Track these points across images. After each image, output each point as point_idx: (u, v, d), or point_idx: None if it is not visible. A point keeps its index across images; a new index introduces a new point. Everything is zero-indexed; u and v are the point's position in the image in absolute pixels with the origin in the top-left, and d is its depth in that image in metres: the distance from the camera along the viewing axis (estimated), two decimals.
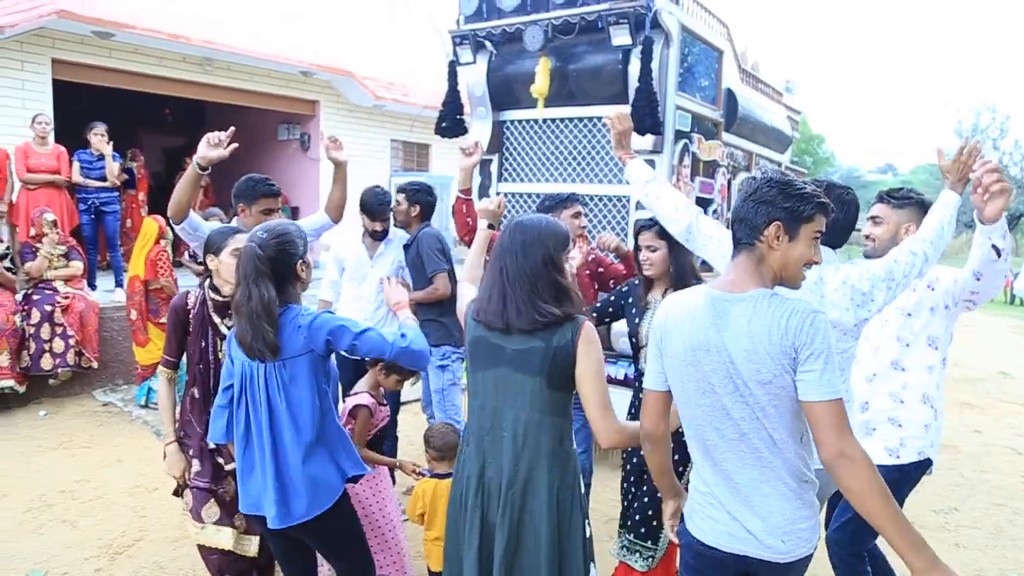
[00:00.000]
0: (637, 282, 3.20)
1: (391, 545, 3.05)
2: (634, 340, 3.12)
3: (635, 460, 3.05)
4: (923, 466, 2.77)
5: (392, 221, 4.37)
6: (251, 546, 2.85)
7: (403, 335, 2.31)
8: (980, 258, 2.39)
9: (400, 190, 4.32)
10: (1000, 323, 15.13)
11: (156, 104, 10.94)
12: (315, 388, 2.29)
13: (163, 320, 5.71)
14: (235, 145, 3.11)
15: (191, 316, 2.78)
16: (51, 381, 5.97)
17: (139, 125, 11.85)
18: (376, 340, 2.27)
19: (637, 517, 2.98)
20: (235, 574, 2.90)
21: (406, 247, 4.33)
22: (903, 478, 2.74)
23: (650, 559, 2.92)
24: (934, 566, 1.58)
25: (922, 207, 2.73)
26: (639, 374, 3.25)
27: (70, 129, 7.71)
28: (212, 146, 3.11)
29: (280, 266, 2.26)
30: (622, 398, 3.90)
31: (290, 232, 2.32)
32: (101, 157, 7.06)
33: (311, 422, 2.27)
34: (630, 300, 3.18)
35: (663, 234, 2.96)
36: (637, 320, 3.10)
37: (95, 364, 6.10)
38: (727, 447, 1.83)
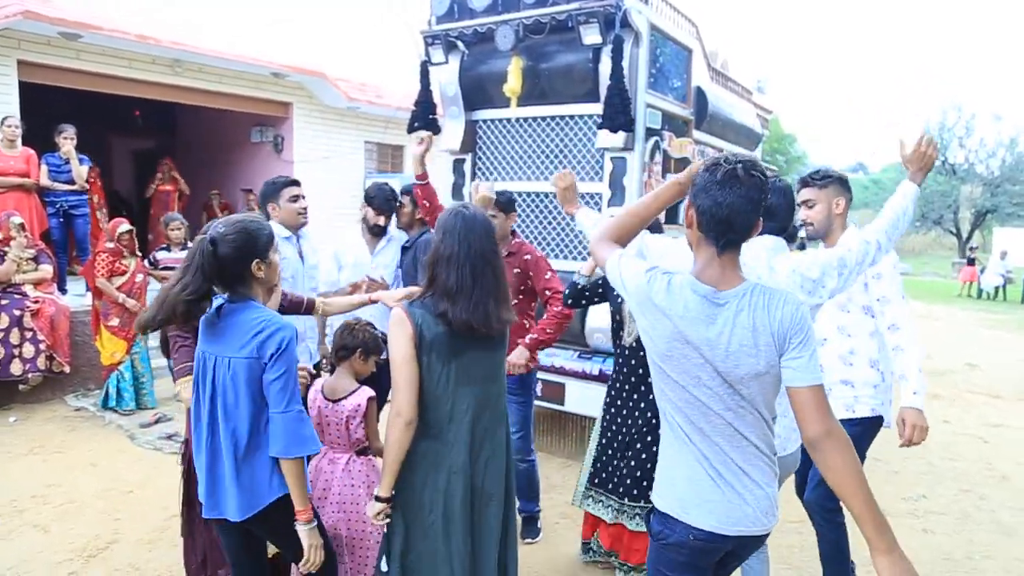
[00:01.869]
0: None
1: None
2: (618, 319, 3.34)
3: (614, 427, 3.32)
4: (877, 423, 3.03)
5: (396, 221, 4.38)
6: None
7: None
8: (896, 211, 2.49)
9: (405, 191, 4.34)
10: (967, 316, 15.43)
11: (126, 106, 10.82)
12: (258, 392, 2.22)
13: (113, 322, 5.69)
14: None
15: None
16: (21, 387, 5.89)
17: (109, 128, 11.71)
18: (287, 424, 2.19)
19: (628, 481, 3.25)
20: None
21: (404, 248, 4.34)
22: (862, 432, 2.97)
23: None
24: (892, 549, 1.66)
25: (843, 183, 2.98)
26: (617, 364, 3.41)
27: (38, 132, 7.60)
28: None
29: (231, 263, 2.20)
30: (598, 393, 3.97)
31: (248, 229, 2.25)
32: (69, 160, 6.98)
33: (248, 424, 2.21)
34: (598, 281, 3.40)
35: (654, 228, 3.32)
36: (620, 301, 3.28)
37: (66, 369, 6.03)
38: (718, 433, 1.88)
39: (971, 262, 22.09)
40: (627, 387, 3.35)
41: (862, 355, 3.00)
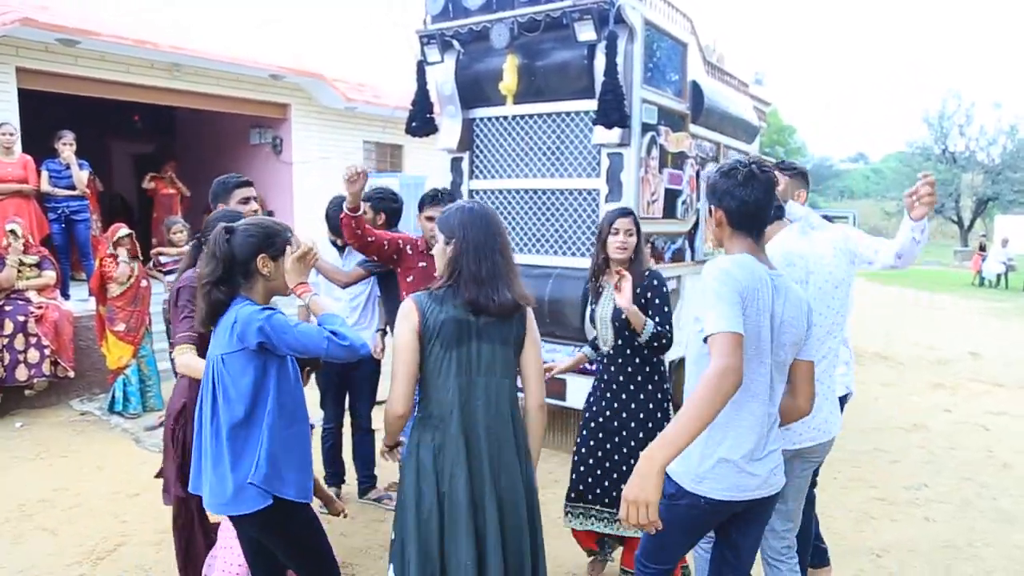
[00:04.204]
0: (594, 269, 3.35)
1: None
2: (593, 325, 3.36)
3: (593, 441, 3.26)
4: (846, 399, 3.12)
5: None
6: None
7: (332, 331, 2.25)
8: (904, 243, 2.58)
9: (364, 199, 4.27)
10: (969, 305, 15.43)
11: (125, 111, 10.86)
12: (260, 387, 2.25)
13: (119, 328, 5.73)
14: None
15: None
16: (27, 392, 5.93)
17: (108, 132, 11.75)
18: (310, 334, 2.21)
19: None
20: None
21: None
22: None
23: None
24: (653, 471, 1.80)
25: (803, 177, 3.18)
26: (598, 372, 3.36)
27: (38, 138, 7.64)
28: None
29: (239, 251, 2.26)
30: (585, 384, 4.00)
31: (264, 224, 2.34)
32: (69, 166, 7.02)
33: (241, 424, 2.23)
34: (586, 285, 3.44)
35: (637, 222, 3.24)
36: (595, 307, 3.34)
37: (71, 373, 6.07)
38: (759, 400, 2.10)
39: (982, 248, 22.04)
40: (608, 395, 3.26)
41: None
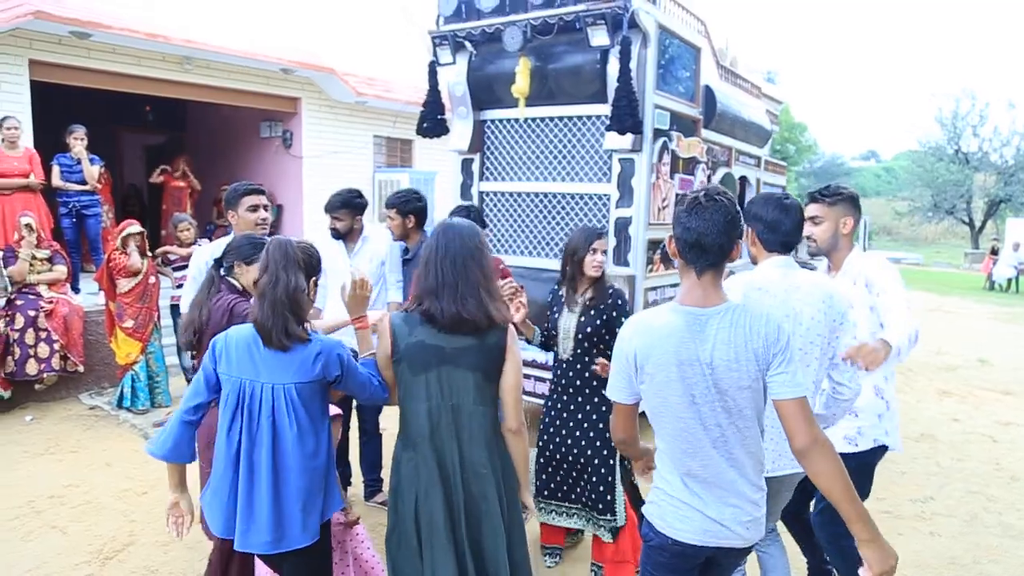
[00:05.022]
0: (558, 284, 3.57)
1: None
2: (553, 332, 3.47)
3: (553, 444, 3.44)
4: (879, 452, 2.95)
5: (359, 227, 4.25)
6: None
7: (376, 376, 2.33)
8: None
9: (389, 205, 4.23)
10: (980, 310, 15.32)
11: (136, 103, 10.87)
12: (323, 415, 2.32)
13: (127, 324, 5.75)
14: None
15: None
16: (37, 386, 5.96)
17: (119, 124, 11.77)
18: (367, 376, 2.31)
19: (594, 496, 3.34)
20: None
21: (407, 261, 4.29)
22: (865, 465, 2.92)
23: (614, 530, 3.32)
24: (876, 538, 1.85)
25: (853, 201, 2.90)
26: (555, 377, 3.51)
27: (50, 130, 7.66)
28: None
29: (305, 267, 2.32)
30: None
31: (313, 249, 2.43)
32: (80, 161, 7.04)
33: (319, 449, 2.28)
34: (559, 296, 3.51)
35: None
36: (557, 315, 3.46)
37: (80, 368, 6.10)
38: (705, 453, 1.97)
39: (994, 252, 21.86)
40: (564, 398, 3.44)
41: (867, 382, 2.84)
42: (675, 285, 5.14)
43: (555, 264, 5.06)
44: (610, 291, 3.40)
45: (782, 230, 2.48)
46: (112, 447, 5.25)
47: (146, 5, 8.84)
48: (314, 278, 2.37)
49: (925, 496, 4.79)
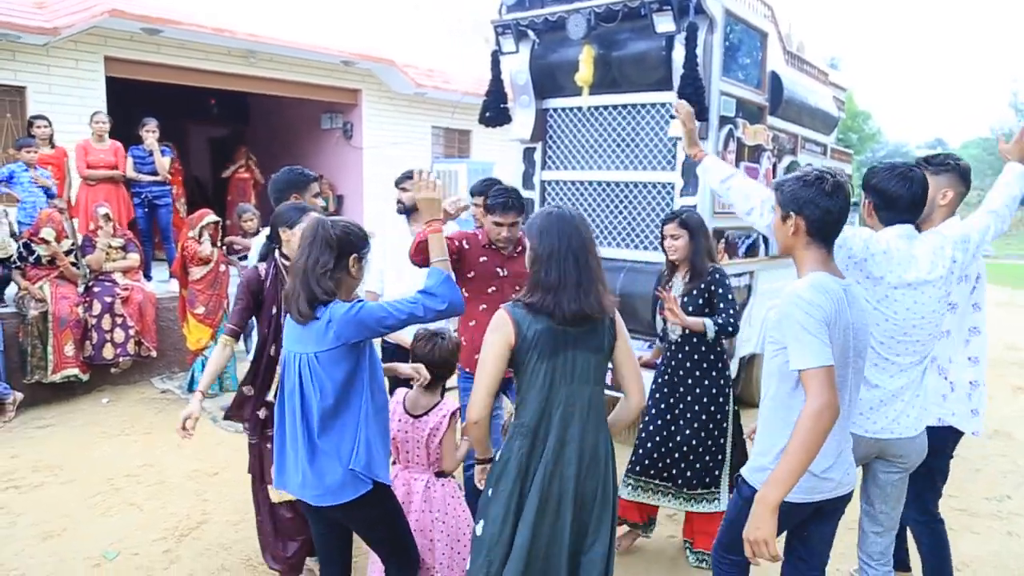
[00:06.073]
0: (663, 268, 3.72)
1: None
2: (661, 315, 3.56)
3: (659, 421, 3.55)
4: (943, 433, 2.87)
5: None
6: None
7: (424, 291, 2.30)
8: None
9: (475, 192, 4.09)
10: None
11: (202, 96, 11.18)
12: (355, 381, 2.33)
13: (199, 311, 5.93)
14: None
15: (265, 286, 2.97)
16: (112, 370, 6.20)
17: (186, 117, 12.12)
18: (405, 309, 2.28)
19: (695, 481, 3.48)
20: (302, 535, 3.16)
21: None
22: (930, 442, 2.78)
23: (716, 502, 3.48)
24: (765, 499, 1.97)
25: (959, 173, 2.82)
26: (665, 357, 3.63)
27: (120, 124, 7.94)
28: None
29: (343, 246, 2.32)
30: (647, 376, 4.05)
31: (355, 226, 2.41)
32: (152, 152, 7.27)
33: (348, 414, 2.33)
34: (663, 281, 3.67)
35: (684, 224, 3.49)
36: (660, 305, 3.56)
37: (153, 353, 6.32)
38: (841, 415, 2.07)
39: None
40: (675, 379, 3.54)
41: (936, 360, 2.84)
42: (739, 275, 5.05)
43: (619, 253, 5.04)
44: (710, 270, 3.47)
45: (900, 205, 2.47)
46: None
47: (213, 1, 9.08)
48: (354, 255, 2.36)
49: (1001, 495, 4.62)
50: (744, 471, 2.33)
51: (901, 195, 2.44)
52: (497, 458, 2.35)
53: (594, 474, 2.30)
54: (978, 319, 2.90)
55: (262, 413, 3.09)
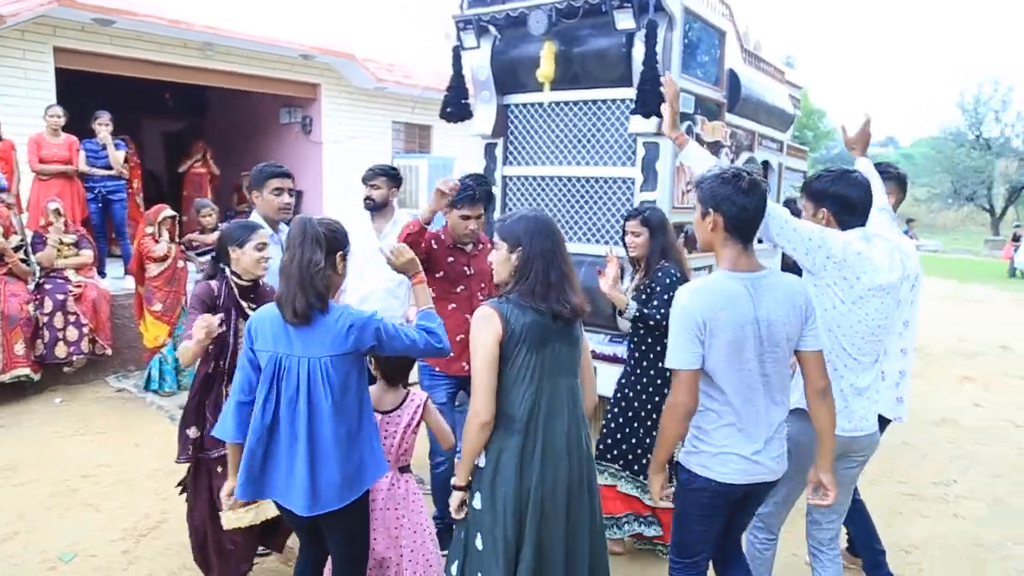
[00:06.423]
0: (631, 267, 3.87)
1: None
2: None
3: (617, 409, 3.65)
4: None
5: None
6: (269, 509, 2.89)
7: (426, 329, 2.41)
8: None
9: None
10: (1002, 297, 15.19)
11: (157, 89, 10.94)
12: (359, 384, 2.37)
13: (156, 307, 5.84)
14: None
15: (218, 301, 2.91)
16: (65, 369, 6.06)
17: (140, 111, 11.85)
18: (411, 336, 2.37)
19: (644, 460, 3.53)
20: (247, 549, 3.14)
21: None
22: None
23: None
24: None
25: (898, 180, 3.16)
26: (631, 353, 3.70)
27: (72, 117, 7.73)
28: None
29: (327, 243, 2.33)
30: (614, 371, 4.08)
31: (337, 224, 2.43)
32: (106, 146, 7.11)
33: (354, 418, 2.35)
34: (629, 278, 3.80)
35: (645, 222, 3.63)
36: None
37: (108, 351, 6.20)
38: (757, 399, 2.25)
39: (1016, 239, 21.54)
40: (639, 371, 3.62)
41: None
42: (698, 269, 5.13)
43: (580, 248, 5.07)
44: (659, 266, 3.57)
45: (859, 210, 2.60)
46: (140, 429, 5.34)
47: None
48: (340, 252, 2.39)
49: (948, 479, 4.79)
50: (680, 456, 2.44)
51: (861, 199, 2.59)
52: (483, 463, 2.35)
53: (580, 467, 2.36)
54: (911, 313, 3.08)
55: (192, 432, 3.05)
